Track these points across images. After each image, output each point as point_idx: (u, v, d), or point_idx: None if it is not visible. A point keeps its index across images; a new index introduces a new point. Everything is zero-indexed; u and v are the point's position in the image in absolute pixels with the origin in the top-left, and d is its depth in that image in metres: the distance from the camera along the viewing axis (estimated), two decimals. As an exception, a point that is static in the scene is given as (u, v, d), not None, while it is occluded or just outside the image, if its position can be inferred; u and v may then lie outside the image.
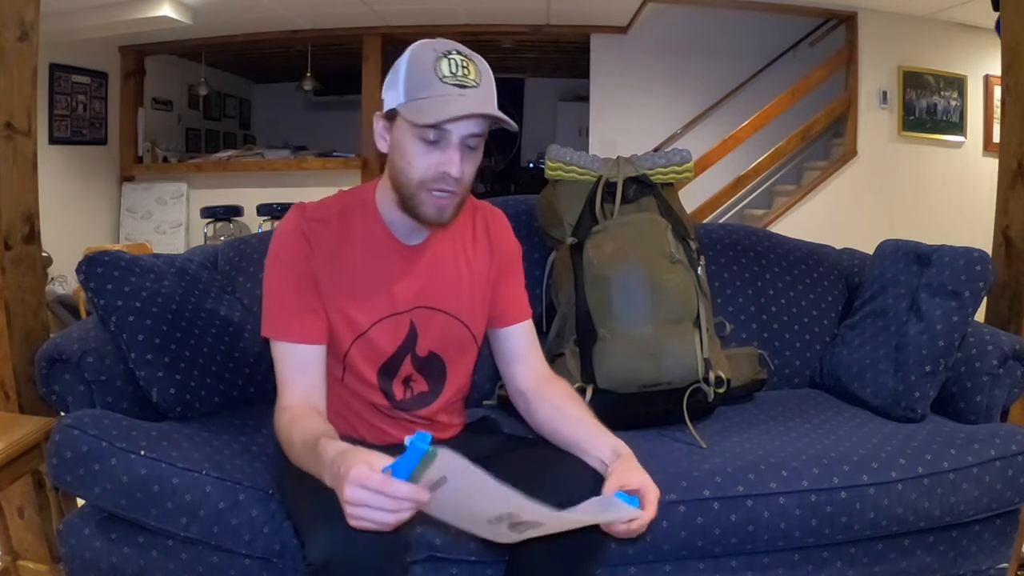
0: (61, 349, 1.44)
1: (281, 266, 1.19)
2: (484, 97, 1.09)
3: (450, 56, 1.08)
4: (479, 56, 1.12)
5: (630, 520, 1.01)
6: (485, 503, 0.92)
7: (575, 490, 1.12)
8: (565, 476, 1.15)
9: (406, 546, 1.04)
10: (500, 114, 1.08)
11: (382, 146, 1.16)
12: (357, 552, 0.93)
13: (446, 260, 1.26)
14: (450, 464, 0.85)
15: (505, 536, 0.97)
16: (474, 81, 1.08)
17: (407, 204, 1.14)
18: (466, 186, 1.14)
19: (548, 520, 0.95)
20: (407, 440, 0.84)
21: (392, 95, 1.11)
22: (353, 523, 0.87)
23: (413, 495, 0.85)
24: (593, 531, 1.12)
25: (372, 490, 0.85)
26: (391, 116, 1.12)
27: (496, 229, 1.33)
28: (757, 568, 1.38)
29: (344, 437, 1.27)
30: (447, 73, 1.06)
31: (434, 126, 1.07)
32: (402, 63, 1.11)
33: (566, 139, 6.23)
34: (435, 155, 1.09)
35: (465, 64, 1.08)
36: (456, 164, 1.08)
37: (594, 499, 1.03)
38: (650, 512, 1.03)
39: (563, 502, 1.10)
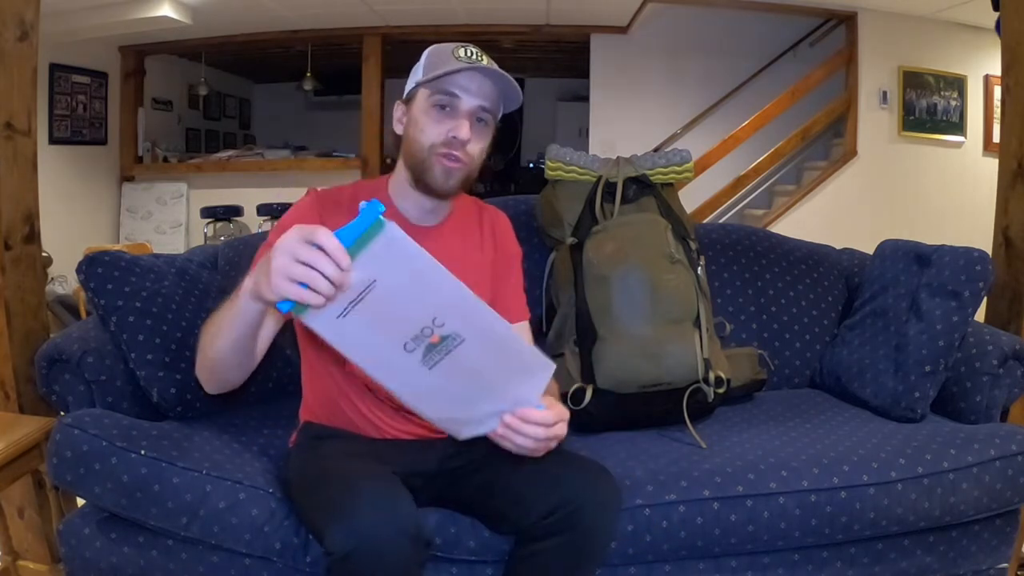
0: (61, 349, 1.44)
1: (279, 234, 1.22)
2: (494, 72, 1.19)
3: (466, 47, 1.21)
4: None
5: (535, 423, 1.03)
6: (413, 308, 0.89)
7: (576, 486, 1.12)
8: (564, 473, 1.15)
9: (426, 540, 1.06)
10: (508, 77, 1.19)
11: (399, 129, 1.26)
12: (377, 543, 0.95)
13: (455, 247, 1.31)
14: (394, 239, 0.85)
15: (413, 376, 0.95)
16: (487, 64, 1.19)
17: (417, 172, 1.22)
18: (473, 160, 1.22)
19: (468, 333, 0.93)
20: (361, 204, 0.85)
21: (412, 80, 1.24)
22: (274, 279, 0.85)
23: (339, 252, 0.83)
24: (593, 528, 1.13)
25: (298, 238, 0.84)
26: (409, 100, 1.24)
27: (500, 229, 1.40)
28: (757, 568, 1.38)
29: (339, 431, 1.28)
30: (462, 56, 1.19)
31: (447, 80, 1.17)
32: (423, 56, 1.24)
33: (566, 139, 6.21)
34: (446, 123, 1.19)
35: (479, 54, 1.20)
36: (465, 128, 1.18)
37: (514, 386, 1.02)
38: (554, 412, 1.05)
39: (562, 500, 1.10)
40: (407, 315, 0.90)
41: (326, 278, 0.83)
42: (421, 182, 1.22)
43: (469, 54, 1.18)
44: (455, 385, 0.98)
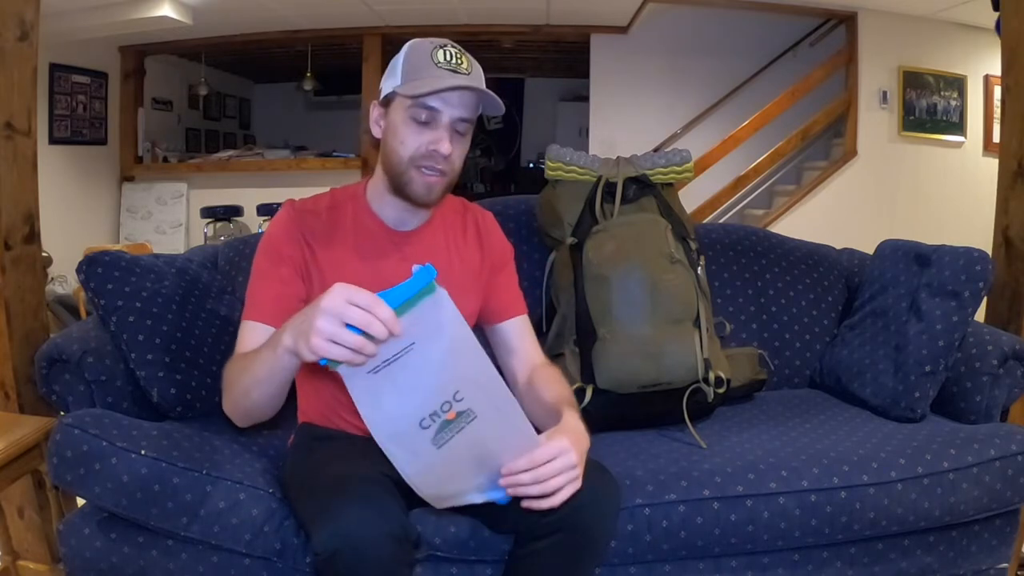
0: (61, 349, 1.44)
1: (268, 256, 1.24)
2: (475, 83, 1.16)
3: (445, 48, 1.16)
4: (470, 55, 1.20)
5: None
6: (441, 377, 0.94)
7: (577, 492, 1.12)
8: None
9: (414, 541, 1.05)
10: (490, 92, 1.16)
11: (377, 132, 1.23)
12: (364, 544, 0.95)
13: (437, 250, 1.30)
14: (442, 303, 0.90)
15: (420, 452, 0.99)
16: (467, 70, 1.16)
17: (397, 183, 1.20)
18: (454, 169, 1.20)
19: (483, 408, 0.97)
20: (415, 267, 0.90)
21: (390, 82, 1.19)
22: (315, 340, 0.89)
23: (392, 321, 0.88)
24: (592, 527, 1.13)
25: (345, 300, 0.88)
26: (387, 102, 1.20)
27: (486, 229, 1.38)
28: (757, 568, 1.38)
29: (335, 432, 1.28)
30: (442, 60, 1.15)
31: (427, 96, 1.13)
32: (400, 54, 1.19)
33: (566, 139, 6.23)
34: (426, 135, 1.16)
35: (459, 56, 1.16)
36: (445, 142, 1.15)
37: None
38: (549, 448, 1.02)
39: (561, 505, 1.10)
40: (433, 383, 0.95)
41: (373, 341, 0.88)
42: (401, 192, 1.21)
43: (448, 57, 1.15)
44: (456, 463, 1.02)
